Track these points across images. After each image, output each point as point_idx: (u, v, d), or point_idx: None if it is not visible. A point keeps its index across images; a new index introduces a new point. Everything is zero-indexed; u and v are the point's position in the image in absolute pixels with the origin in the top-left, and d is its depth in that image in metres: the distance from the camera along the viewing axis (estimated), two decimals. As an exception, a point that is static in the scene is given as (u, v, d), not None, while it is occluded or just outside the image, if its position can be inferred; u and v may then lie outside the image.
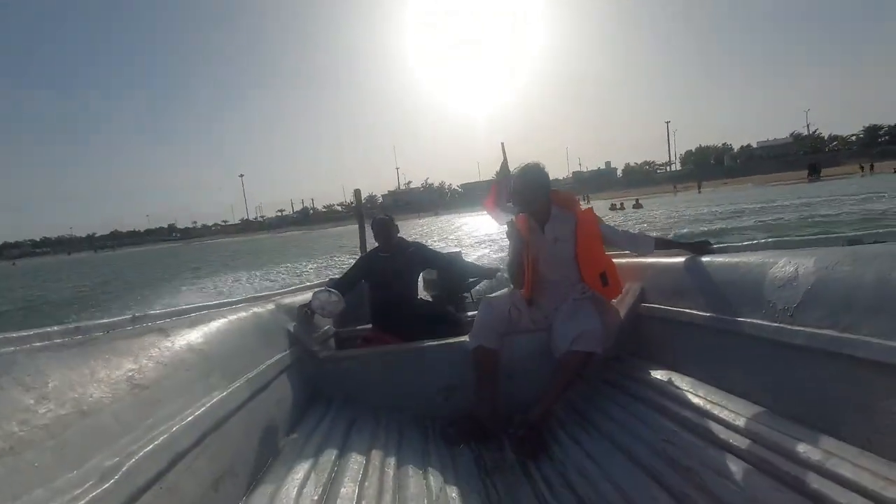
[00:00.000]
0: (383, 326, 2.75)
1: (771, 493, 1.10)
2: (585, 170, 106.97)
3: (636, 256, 2.27)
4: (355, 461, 1.47)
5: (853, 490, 0.99)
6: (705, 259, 1.84)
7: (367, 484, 1.36)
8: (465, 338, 2.08)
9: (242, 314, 1.76)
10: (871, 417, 1.08)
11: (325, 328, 2.51)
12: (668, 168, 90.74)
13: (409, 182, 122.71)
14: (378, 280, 2.87)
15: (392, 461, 1.56)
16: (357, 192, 4.06)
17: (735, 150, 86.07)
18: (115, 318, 1.37)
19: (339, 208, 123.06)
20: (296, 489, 1.24)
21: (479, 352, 2.00)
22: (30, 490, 0.70)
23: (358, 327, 2.86)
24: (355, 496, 1.28)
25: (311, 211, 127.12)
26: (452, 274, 3.37)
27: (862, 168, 42.02)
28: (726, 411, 1.42)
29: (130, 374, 1.03)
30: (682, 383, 1.70)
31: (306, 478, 1.30)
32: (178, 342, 1.28)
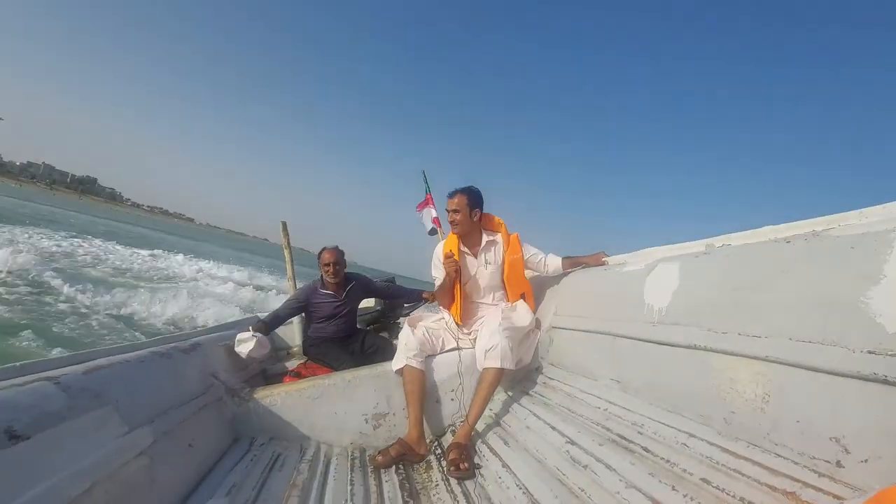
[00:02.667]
0: (316, 359, 2.69)
1: (650, 479, 1.22)
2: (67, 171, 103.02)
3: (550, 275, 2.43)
4: (271, 501, 1.44)
5: (713, 468, 1.13)
6: (602, 271, 2.05)
7: None
8: (392, 362, 2.13)
9: (152, 356, 1.70)
10: (724, 402, 1.23)
11: (252, 366, 2.42)
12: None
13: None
14: (315, 315, 2.79)
15: (311, 498, 1.55)
16: (283, 225, 3.78)
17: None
18: None
19: None
20: None
21: (405, 372, 2.05)
22: None
23: (288, 363, 2.77)
24: None
25: None
26: (391, 301, 3.41)
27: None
28: (618, 408, 1.58)
29: (8, 426, 0.97)
30: (588, 388, 1.84)
31: None
32: (71, 389, 1.21)
